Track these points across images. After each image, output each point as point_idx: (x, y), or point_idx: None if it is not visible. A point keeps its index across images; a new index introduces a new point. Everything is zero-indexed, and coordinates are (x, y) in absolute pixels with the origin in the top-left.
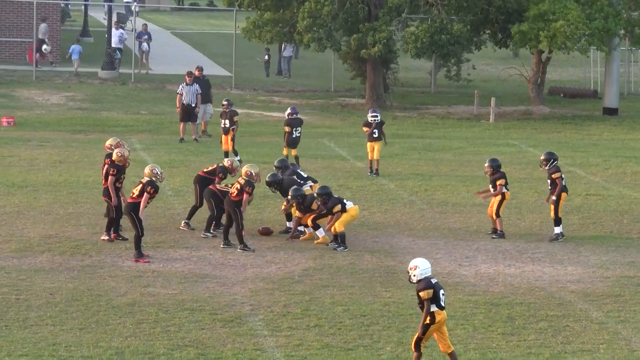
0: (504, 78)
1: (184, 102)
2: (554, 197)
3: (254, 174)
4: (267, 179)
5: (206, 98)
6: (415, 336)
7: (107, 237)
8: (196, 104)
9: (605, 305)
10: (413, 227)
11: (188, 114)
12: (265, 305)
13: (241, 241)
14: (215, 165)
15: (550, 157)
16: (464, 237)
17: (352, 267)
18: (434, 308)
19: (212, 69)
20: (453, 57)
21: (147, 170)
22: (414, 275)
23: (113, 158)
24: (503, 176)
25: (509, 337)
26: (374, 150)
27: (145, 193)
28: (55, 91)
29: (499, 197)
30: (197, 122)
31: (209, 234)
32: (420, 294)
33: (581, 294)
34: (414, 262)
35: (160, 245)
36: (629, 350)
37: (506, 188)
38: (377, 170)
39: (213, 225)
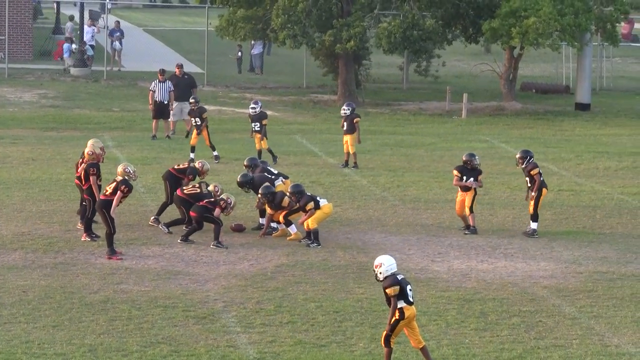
0: (476, 74)
1: (157, 99)
2: (533, 194)
3: (231, 206)
4: (238, 180)
5: (184, 97)
6: (384, 333)
7: (88, 238)
8: (169, 101)
9: (578, 300)
10: (385, 224)
11: (161, 111)
12: (238, 302)
13: (216, 237)
14: (187, 164)
15: (527, 155)
16: (436, 233)
17: (325, 263)
18: (402, 304)
19: (185, 66)
20: (425, 53)
21: (120, 169)
22: (380, 273)
23: (85, 158)
24: (480, 172)
25: (482, 333)
26: (346, 143)
27: (118, 191)
28: (28, 88)
29: (472, 192)
30: (175, 119)
31: (165, 229)
32: (387, 291)
33: (554, 290)
34: (379, 260)
35: (132, 242)
36: (602, 346)
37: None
38: (355, 163)
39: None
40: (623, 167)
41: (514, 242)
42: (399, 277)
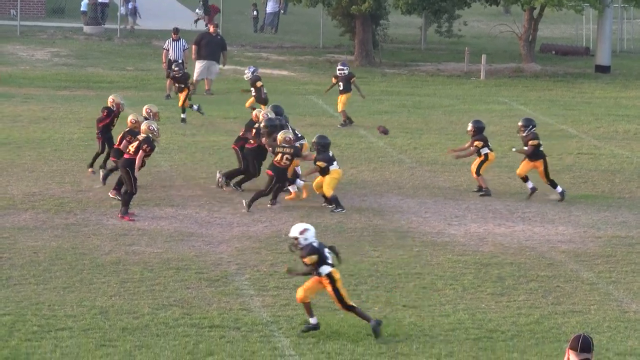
0: (495, 35)
1: (171, 58)
2: (520, 151)
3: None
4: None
5: (214, 56)
6: (339, 306)
7: (118, 196)
8: (183, 60)
9: (597, 265)
10: (402, 186)
11: None
12: (252, 265)
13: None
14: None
15: (529, 124)
16: (453, 196)
17: (340, 226)
18: (328, 269)
19: (199, 25)
20: (444, 14)
21: (143, 126)
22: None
23: (132, 123)
24: (482, 138)
25: (499, 298)
26: (341, 102)
27: (140, 150)
28: (40, 47)
29: (481, 157)
30: (199, 78)
31: (238, 188)
32: (304, 260)
33: (572, 254)
34: (299, 228)
35: (145, 203)
36: (620, 311)
37: (489, 149)
38: (348, 119)
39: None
40: None
41: (532, 205)
42: (315, 243)
